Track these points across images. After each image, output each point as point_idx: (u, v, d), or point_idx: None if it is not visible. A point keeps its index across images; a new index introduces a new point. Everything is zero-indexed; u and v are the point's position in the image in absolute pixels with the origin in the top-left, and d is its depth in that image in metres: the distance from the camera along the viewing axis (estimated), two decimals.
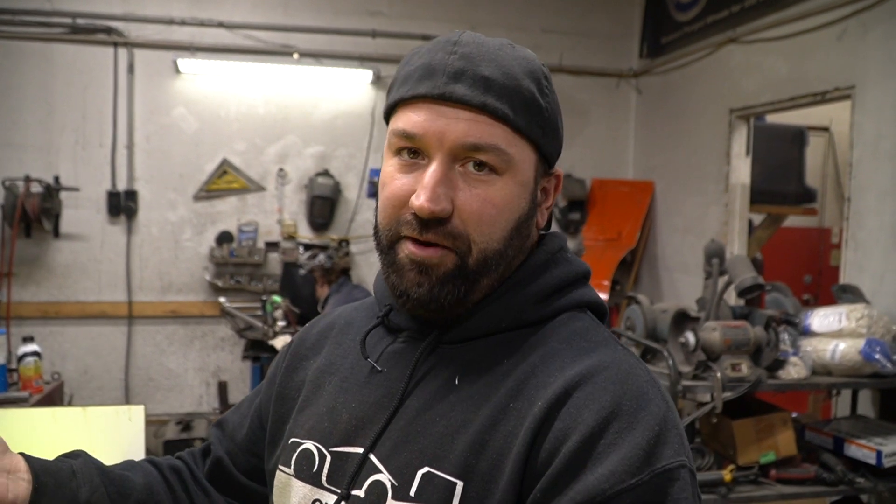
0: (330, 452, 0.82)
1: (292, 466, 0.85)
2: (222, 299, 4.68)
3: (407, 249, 0.77)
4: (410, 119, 0.77)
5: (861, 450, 2.65)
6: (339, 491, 0.78)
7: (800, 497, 2.69)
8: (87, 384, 4.67)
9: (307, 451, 0.84)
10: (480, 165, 0.76)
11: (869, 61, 3.28)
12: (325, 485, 0.81)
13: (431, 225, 0.76)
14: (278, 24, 4.81)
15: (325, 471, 0.81)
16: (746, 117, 4.21)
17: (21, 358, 2.96)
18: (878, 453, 2.59)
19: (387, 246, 0.79)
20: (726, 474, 2.56)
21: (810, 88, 3.63)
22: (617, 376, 0.74)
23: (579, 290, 0.85)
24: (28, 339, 3.04)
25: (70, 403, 3.96)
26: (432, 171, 0.75)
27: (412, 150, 0.78)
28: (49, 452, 1.48)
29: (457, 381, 0.78)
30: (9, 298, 4.42)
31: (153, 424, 4.46)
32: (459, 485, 0.72)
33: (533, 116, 0.78)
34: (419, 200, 0.75)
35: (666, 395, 0.76)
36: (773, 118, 4.49)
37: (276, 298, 4.19)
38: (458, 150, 0.76)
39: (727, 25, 4.23)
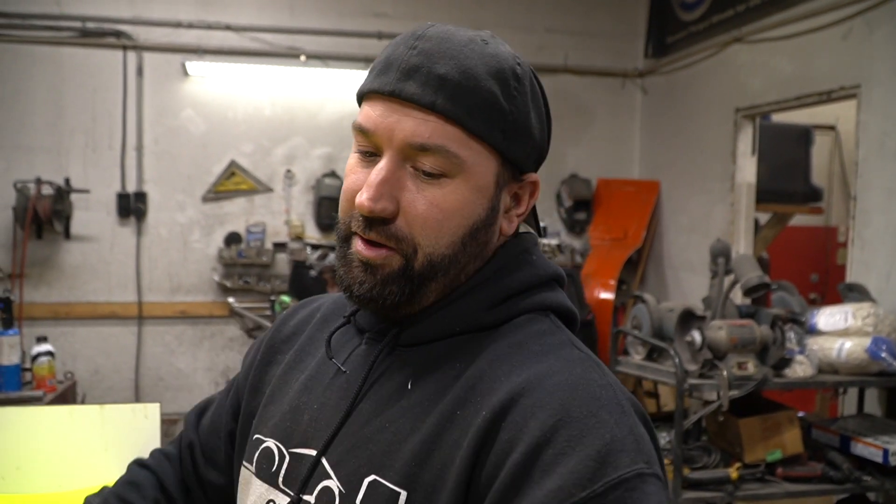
0: (289, 453, 0.81)
1: (254, 464, 0.84)
2: (231, 300, 4.72)
3: (356, 247, 0.76)
4: (365, 113, 0.76)
5: (868, 448, 2.66)
6: (292, 494, 0.78)
7: (806, 495, 2.71)
8: (99, 384, 4.71)
9: (268, 449, 0.83)
10: (431, 166, 0.73)
11: (874, 60, 3.29)
12: (281, 486, 0.80)
13: (375, 224, 0.74)
14: (284, 27, 4.84)
15: (283, 472, 0.80)
16: (752, 116, 4.22)
17: (35, 358, 3.00)
18: (885, 451, 2.60)
19: (342, 239, 0.78)
20: (733, 472, 2.58)
21: (816, 87, 3.64)
22: (567, 381, 0.69)
23: (543, 294, 0.80)
24: (41, 339, 3.08)
25: (83, 403, 4.00)
26: (378, 168, 0.74)
27: (369, 146, 0.76)
28: (66, 449, 1.51)
29: (409, 386, 0.76)
30: (21, 299, 4.45)
31: (163, 424, 4.48)
32: (403, 494, 0.70)
33: (493, 120, 0.74)
34: (361, 198, 0.73)
35: (624, 399, 0.71)
36: (778, 117, 4.50)
37: (285, 298, 4.22)
38: (406, 150, 0.73)
39: (733, 25, 4.24)
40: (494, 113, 0.74)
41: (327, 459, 0.76)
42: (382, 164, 0.73)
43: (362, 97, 0.78)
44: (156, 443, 1.57)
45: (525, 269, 0.80)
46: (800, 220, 4.88)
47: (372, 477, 0.72)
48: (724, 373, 2.54)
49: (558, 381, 0.69)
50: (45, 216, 4.33)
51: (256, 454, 0.84)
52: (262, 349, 0.95)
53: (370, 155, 0.76)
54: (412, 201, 0.73)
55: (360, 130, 0.76)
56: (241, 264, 4.83)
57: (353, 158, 0.78)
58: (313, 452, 0.78)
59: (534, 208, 0.85)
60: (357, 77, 4.87)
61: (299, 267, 4.69)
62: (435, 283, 0.77)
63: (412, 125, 0.72)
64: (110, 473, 1.54)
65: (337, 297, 0.95)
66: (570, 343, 0.76)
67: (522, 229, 0.85)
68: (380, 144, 0.74)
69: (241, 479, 0.87)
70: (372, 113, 0.75)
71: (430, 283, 0.76)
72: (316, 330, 0.91)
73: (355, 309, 0.85)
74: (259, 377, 0.93)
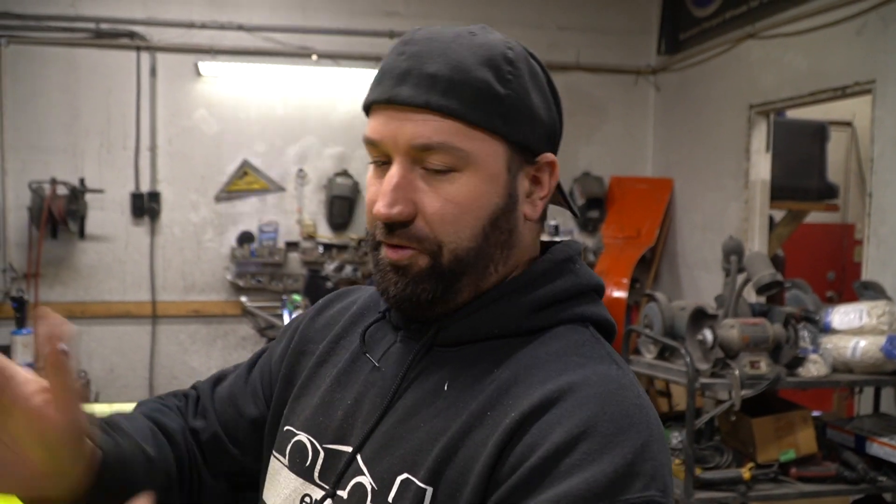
0: (324, 449, 0.82)
1: (286, 457, 0.85)
2: (244, 299, 4.74)
3: (384, 252, 0.78)
4: (371, 126, 0.78)
5: (883, 448, 2.63)
6: (327, 488, 0.79)
7: (821, 495, 2.68)
8: (113, 382, 4.75)
9: (301, 443, 0.84)
10: (438, 166, 0.75)
11: (889, 55, 3.25)
12: (318, 481, 0.81)
13: (396, 228, 0.76)
14: (296, 26, 4.85)
15: (318, 467, 0.82)
16: (766, 113, 4.18)
17: None
18: None
19: (372, 248, 0.80)
20: (745, 472, 2.56)
21: (830, 83, 3.60)
22: (600, 394, 0.69)
23: (584, 305, 0.81)
24: None
25: (96, 401, 4.03)
26: (389, 175, 0.76)
27: (381, 154, 0.78)
28: None
29: (446, 387, 0.77)
30: (36, 299, 4.50)
31: None
32: (429, 491, 0.71)
33: (490, 107, 0.74)
34: (377, 207, 0.75)
35: (654, 422, 0.70)
36: (794, 113, 4.46)
37: (297, 297, 4.23)
38: (411, 152, 0.75)
39: (746, 21, 4.20)
40: (490, 100, 0.75)
41: (361, 456, 0.77)
42: (393, 171, 0.75)
43: (367, 111, 0.80)
44: None
45: (567, 278, 0.81)
46: (816, 217, 4.83)
47: (404, 475, 0.73)
48: (736, 372, 2.52)
49: (591, 393, 0.69)
50: (60, 216, 4.37)
51: (289, 447, 0.85)
52: (296, 339, 0.95)
53: (383, 164, 0.78)
54: (427, 200, 0.75)
55: (369, 143, 0.78)
56: (254, 263, 4.85)
57: (369, 171, 0.80)
58: (349, 449, 0.79)
59: (562, 191, 0.85)
60: (369, 76, 4.87)
61: (315, 276, 4.70)
62: (466, 277, 0.77)
63: (412, 128, 0.74)
64: None
65: (374, 291, 0.95)
66: (609, 357, 0.76)
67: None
68: (388, 152, 0.76)
69: (269, 468, 0.87)
70: (375, 123, 0.77)
71: (462, 278, 0.77)
72: (350, 323, 0.92)
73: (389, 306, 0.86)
74: (291, 367, 0.93)
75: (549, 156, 0.80)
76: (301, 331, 0.96)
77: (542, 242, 0.87)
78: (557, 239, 0.87)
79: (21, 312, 2.97)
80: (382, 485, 0.74)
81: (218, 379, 1.01)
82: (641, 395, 0.73)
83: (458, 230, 0.76)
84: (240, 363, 1.03)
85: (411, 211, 0.75)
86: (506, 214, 0.78)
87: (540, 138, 0.79)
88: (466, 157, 0.74)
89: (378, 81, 0.78)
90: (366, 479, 0.76)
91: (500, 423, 0.70)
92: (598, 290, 0.83)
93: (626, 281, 4.73)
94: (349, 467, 0.78)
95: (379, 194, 0.76)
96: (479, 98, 0.74)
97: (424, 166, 0.75)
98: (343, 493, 0.77)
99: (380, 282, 0.79)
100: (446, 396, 0.76)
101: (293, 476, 0.83)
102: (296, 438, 0.85)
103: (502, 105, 0.75)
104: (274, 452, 0.88)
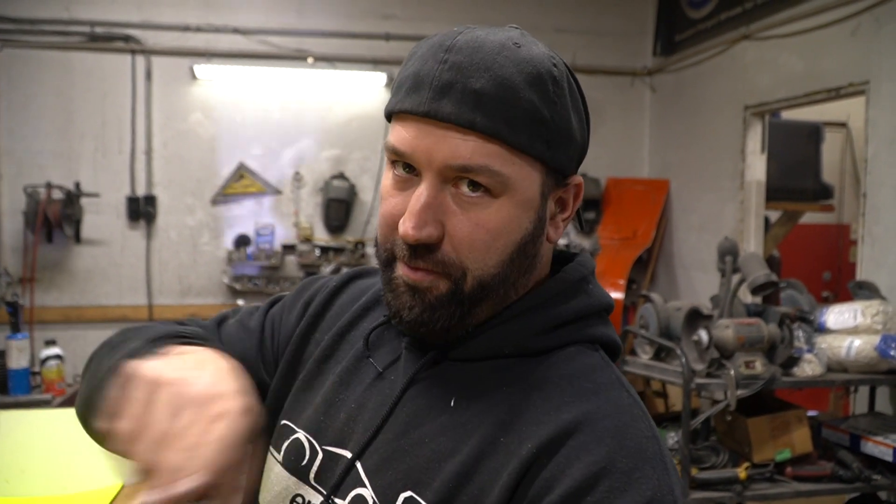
0: (323, 450, 0.80)
1: (281, 454, 0.83)
2: (241, 302, 4.74)
3: (400, 270, 0.73)
4: (400, 135, 0.72)
5: (878, 447, 2.64)
6: (324, 492, 0.77)
7: (816, 494, 2.68)
8: None
9: (298, 441, 0.82)
10: (474, 186, 0.70)
11: (883, 56, 3.26)
12: (313, 482, 0.79)
13: (420, 251, 0.71)
14: (292, 29, 4.85)
15: (315, 468, 0.80)
16: (761, 114, 4.19)
17: (44, 361, 3.02)
18: None
19: (384, 263, 0.75)
20: (741, 472, 2.56)
21: (825, 84, 3.61)
22: (616, 428, 0.69)
23: (594, 326, 0.79)
24: (50, 343, 3.10)
25: None
26: (418, 194, 0.70)
27: (406, 164, 0.73)
28: (70, 452, 1.52)
29: (452, 403, 0.74)
30: (31, 303, 4.49)
31: None
32: None
33: (534, 131, 0.70)
34: (404, 227, 0.70)
35: (665, 453, 0.70)
36: (789, 114, 4.47)
37: None
38: (447, 171, 0.70)
39: (741, 22, 4.21)
40: (536, 124, 0.70)
41: (362, 465, 0.76)
42: (422, 189, 0.70)
43: (391, 115, 0.75)
44: None
45: (580, 298, 0.79)
46: (811, 217, 4.84)
47: (408, 493, 0.71)
48: (732, 372, 2.52)
49: (607, 426, 0.69)
50: (56, 220, 4.36)
51: (285, 445, 0.83)
52: (307, 318, 0.92)
53: (408, 171, 0.73)
54: (457, 224, 0.71)
55: (395, 152, 0.72)
56: (251, 266, 4.85)
57: (388, 180, 0.75)
58: (348, 454, 0.77)
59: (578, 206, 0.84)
60: (365, 78, 4.88)
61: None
62: (486, 303, 0.75)
63: (451, 146, 0.69)
64: (113, 476, 1.55)
65: (379, 286, 0.92)
66: (619, 383, 0.75)
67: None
68: (418, 165, 0.71)
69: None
70: (406, 134, 0.71)
71: (481, 304, 0.74)
72: (356, 316, 0.89)
73: None
74: (297, 351, 0.90)
75: (577, 178, 0.78)
76: (315, 308, 0.93)
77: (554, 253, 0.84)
78: (568, 250, 0.84)
79: (16, 317, 2.97)
80: (385, 500, 0.72)
81: (222, 321, 0.99)
82: (651, 424, 0.72)
83: (486, 257, 0.72)
84: (240, 308, 1.00)
85: (439, 234, 0.71)
86: (534, 240, 0.75)
87: (573, 160, 0.77)
88: (504, 181, 0.70)
89: (412, 88, 0.71)
90: (367, 492, 0.74)
91: (516, 452, 0.69)
92: (609, 310, 0.82)
93: (622, 282, 4.73)
94: (348, 474, 0.76)
95: (404, 210, 0.71)
96: (525, 121, 0.70)
97: (456, 186, 0.71)
98: (342, 502, 0.75)
99: (391, 302, 0.75)
100: (452, 413, 0.74)
101: (286, 474, 0.82)
102: (294, 436, 0.83)
103: (546, 129, 0.71)
104: (269, 446, 0.86)
